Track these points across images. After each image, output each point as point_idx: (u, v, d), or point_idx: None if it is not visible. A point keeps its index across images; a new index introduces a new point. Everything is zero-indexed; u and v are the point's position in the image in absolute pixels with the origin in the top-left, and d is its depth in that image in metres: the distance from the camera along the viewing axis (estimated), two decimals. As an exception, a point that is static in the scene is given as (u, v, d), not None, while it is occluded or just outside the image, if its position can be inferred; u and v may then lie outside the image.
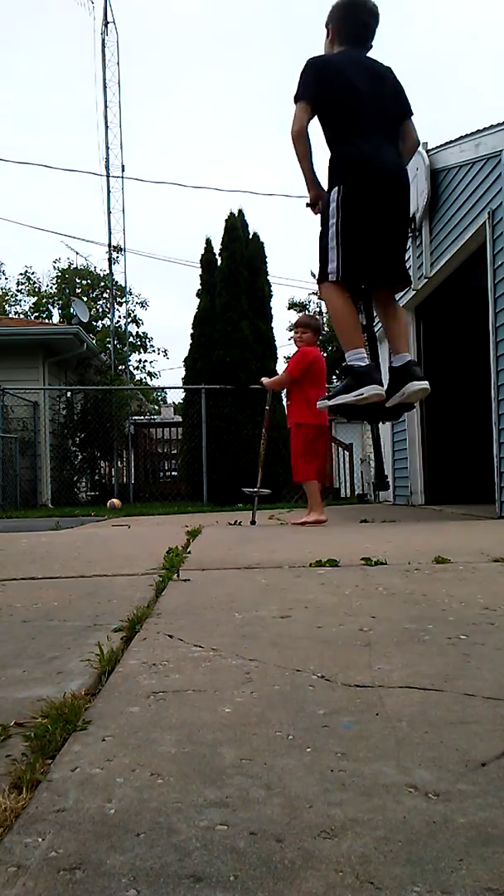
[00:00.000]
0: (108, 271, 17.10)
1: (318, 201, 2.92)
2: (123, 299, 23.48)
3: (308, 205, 3.00)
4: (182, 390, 12.23)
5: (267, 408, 5.66)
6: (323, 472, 5.55)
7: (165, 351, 36.93)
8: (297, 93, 2.72)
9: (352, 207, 2.77)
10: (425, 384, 2.86)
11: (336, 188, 2.80)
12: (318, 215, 2.91)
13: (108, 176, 15.37)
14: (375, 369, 2.85)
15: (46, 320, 25.00)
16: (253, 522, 5.65)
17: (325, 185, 2.97)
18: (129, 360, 19.24)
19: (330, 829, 0.78)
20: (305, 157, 2.77)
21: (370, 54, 2.90)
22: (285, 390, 5.65)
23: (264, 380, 5.67)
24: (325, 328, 18.18)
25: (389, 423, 9.94)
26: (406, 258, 2.90)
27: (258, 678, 1.32)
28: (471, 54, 57.99)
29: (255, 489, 5.65)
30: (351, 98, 2.72)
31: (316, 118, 2.79)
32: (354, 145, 2.71)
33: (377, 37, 2.88)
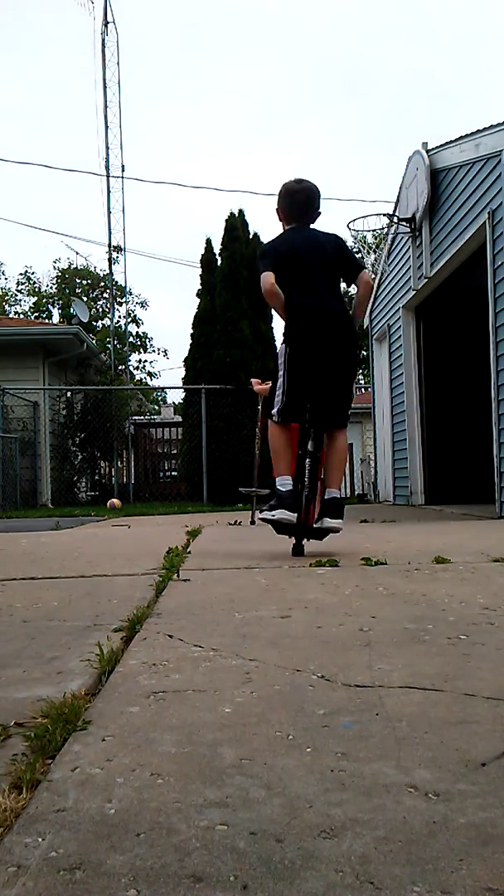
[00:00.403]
0: (108, 271, 17.11)
1: None
2: (123, 299, 23.50)
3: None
4: (182, 390, 12.23)
5: (259, 408, 5.72)
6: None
7: (165, 351, 36.93)
8: (260, 269, 3.39)
9: (293, 361, 3.34)
10: (337, 523, 3.29)
11: (284, 345, 3.39)
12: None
13: (108, 176, 15.39)
14: (292, 496, 3.25)
15: (46, 320, 25.02)
16: (253, 522, 5.66)
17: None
18: (129, 360, 19.24)
19: (330, 829, 0.78)
20: (281, 305, 3.36)
21: (320, 221, 3.63)
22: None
23: (256, 385, 5.68)
24: None
25: (389, 424, 9.96)
26: (349, 399, 3.47)
27: (258, 678, 1.32)
28: (471, 54, 58.04)
29: (253, 489, 5.68)
30: (295, 266, 3.37)
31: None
32: (297, 300, 3.34)
33: (320, 207, 3.60)
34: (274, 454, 3.40)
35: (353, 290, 3.57)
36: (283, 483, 3.29)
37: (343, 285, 3.56)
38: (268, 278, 3.31)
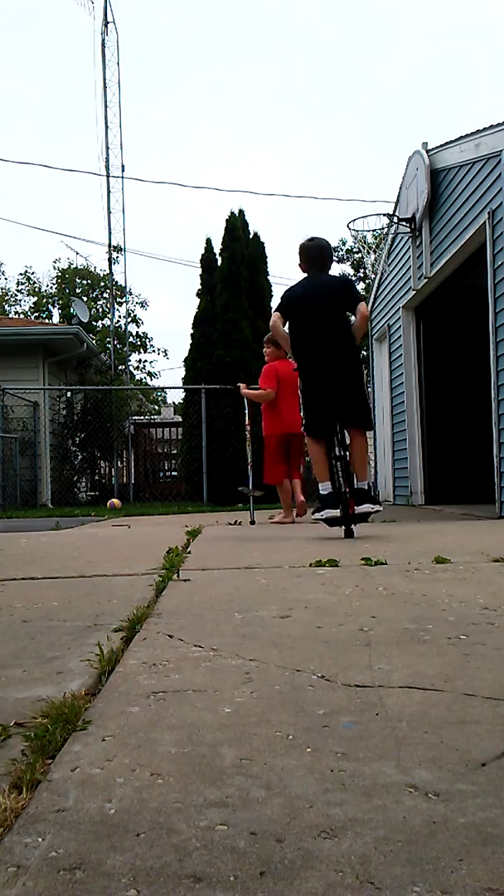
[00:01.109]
0: (108, 271, 17.10)
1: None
2: (123, 299, 23.48)
3: (294, 369, 4.40)
4: (182, 390, 12.22)
5: (247, 411, 5.97)
6: (295, 474, 5.94)
7: (165, 351, 36.82)
8: (277, 309, 4.32)
9: (306, 390, 4.19)
10: (369, 507, 3.94)
11: (299, 375, 4.25)
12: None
13: (108, 176, 15.37)
14: (334, 496, 3.97)
15: (46, 320, 24.99)
16: (252, 522, 5.66)
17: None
18: (129, 360, 19.23)
19: (330, 829, 0.78)
20: (285, 341, 4.29)
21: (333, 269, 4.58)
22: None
23: (243, 389, 5.76)
24: None
25: (389, 424, 9.96)
26: (360, 405, 4.25)
27: (258, 678, 1.32)
28: (471, 54, 58.02)
29: (248, 489, 5.74)
30: (298, 313, 4.20)
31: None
32: (299, 343, 4.18)
33: (332, 257, 4.56)
34: (314, 465, 4.18)
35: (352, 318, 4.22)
36: (324, 487, 4.01)
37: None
38: (276, 319, 4.24)
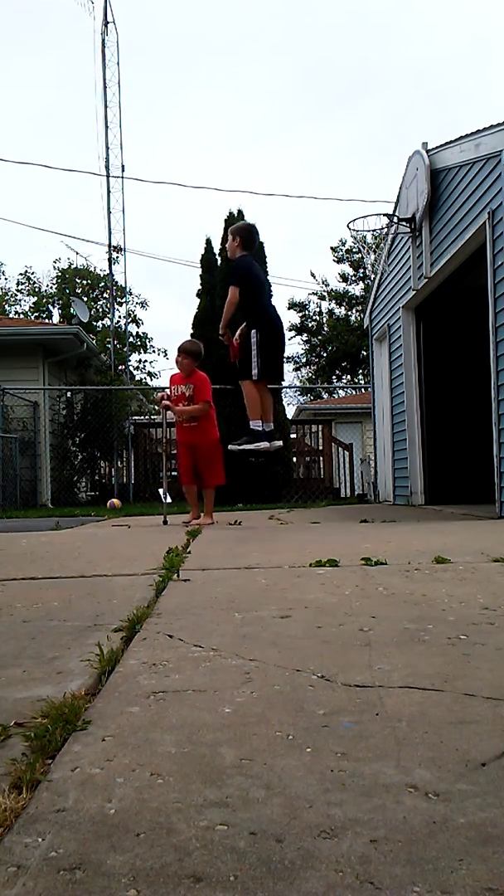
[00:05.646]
0: (108, 271, 17.08)
1: (225, 334, 5.36)
2: (123, 299, 23.46)
3: (220, 335, 5.39)
4: (182, 390, 12.16)
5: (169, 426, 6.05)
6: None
7: (165, 351, 36.78)
8: (233, 281, 5.13)
9: (265, 341, 5.12)
10: (279, 443, 5.39)
11: (255, 330, 5.12)
12: (225, 340, 5.42)
13: (108, 176, 15.35)
14: (264, 432, 5.12)
15: (46, 320, 24.97)
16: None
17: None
18: (129, 360, 19.22)
19: (330, 829, 0.78)
20: (230, 310, 5.11)
21: None
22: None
23: (182, 408, 5.66)
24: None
25: (389, 424, 9.96)
26: (282, 365, 5.50)
27: (258, 678, 1.32)
28: (471, 55, 58.03)
29: (163, 492, 6.20)
30: (261, 285, 5.31)
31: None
32: (265, 308, 5.30)
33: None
34: (252, 405, 5.16)
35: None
36: (258, 424, 5.15)
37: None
38: (234, 293, 5.05)
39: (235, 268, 5.27)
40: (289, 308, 34.42)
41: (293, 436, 13.35)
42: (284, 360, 5.38)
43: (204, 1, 49.73)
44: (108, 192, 15.38)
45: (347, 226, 8.38)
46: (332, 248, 33.95)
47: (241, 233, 5.32)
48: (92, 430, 12.47)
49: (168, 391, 6.00)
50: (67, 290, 26.08)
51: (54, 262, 30.45)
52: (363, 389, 21.76)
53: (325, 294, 34.42)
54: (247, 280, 5.08)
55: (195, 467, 5.75)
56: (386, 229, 8.65)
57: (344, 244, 33.10)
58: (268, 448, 5.08)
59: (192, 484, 5.83)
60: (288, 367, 35.04)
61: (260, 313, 5.13)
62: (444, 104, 52.47)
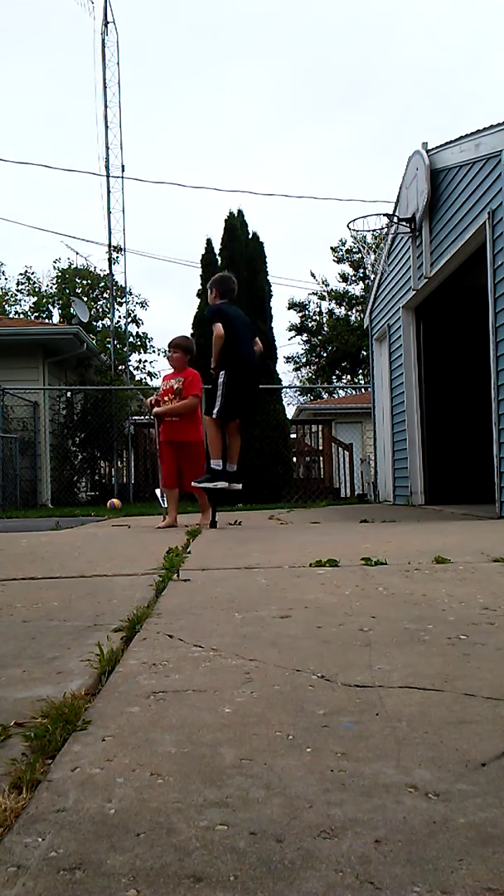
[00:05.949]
0: (108, 271, 17.08)
1: (216, 368, 5.45)
2: (123, 299, 23.46)
3: (212, 369, 5.49)
4: (182, 390, 12.16)
5: (160, 426, 5.92)
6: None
7: (166, 351, 36.81)
8: (213, 319, 5.41)
9: (231, 383, 5.33)
10: (238, 486, 5.38)
11: (223, 371, 5.35)
12: (214, 375, 5.47)
13: (108, 176, 15.34)
14: (224, 472, 5.25)
15: (46, 320, 24.96)
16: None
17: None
18: (129, 360, 19.22)
19: (330, 829, 0.78)
20: (219, 343, 5.30)
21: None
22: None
23: (169, 408, 5.65)
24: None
25: (389, 424, 9.96)
26: (256, 409, 5.78)
27: (258, 678, 1.32)
28: (471, 55, 58.01)
29: (161, 493, 6.05)
30: (235, 328, 5.37)
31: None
32: (236, 350, 5.34)
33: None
34: (212, 444, 5.43)
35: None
36: (217, 464, 5.33)
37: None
38: (219, 329, 5.30)
39: (210, 310, 5.62)
40: (289, 308, 34.46)
41: (293, 436, 13.35)
42: (255, 402, 5.68)
43: (204, 1, 49.71)
44: (108, 192, 15.38)
45: (347, 226, 8.39)
46: (332, 248, 33.99)
47: (215, 285, 5.68)
48: (92, 430, 12.47)
49: (160, 391, 5.98)
50: (67, 290, 26.07)
51: (54, 262, 30.47)
52: (363, 389, 21.76)
53: (325, 294, 34.44)
54: (223, 322, 5.31)
55: (178, 469, 5.74)
56: (386, 229, 8.64)
57: (344, 244, 33.10)
58: (226, 488, 5.18)
59: (176, 487, 5.80)
60: (288, 367, 35.11)
61: (230, 357, 5.31)
62: (445, 104, 52.45)
